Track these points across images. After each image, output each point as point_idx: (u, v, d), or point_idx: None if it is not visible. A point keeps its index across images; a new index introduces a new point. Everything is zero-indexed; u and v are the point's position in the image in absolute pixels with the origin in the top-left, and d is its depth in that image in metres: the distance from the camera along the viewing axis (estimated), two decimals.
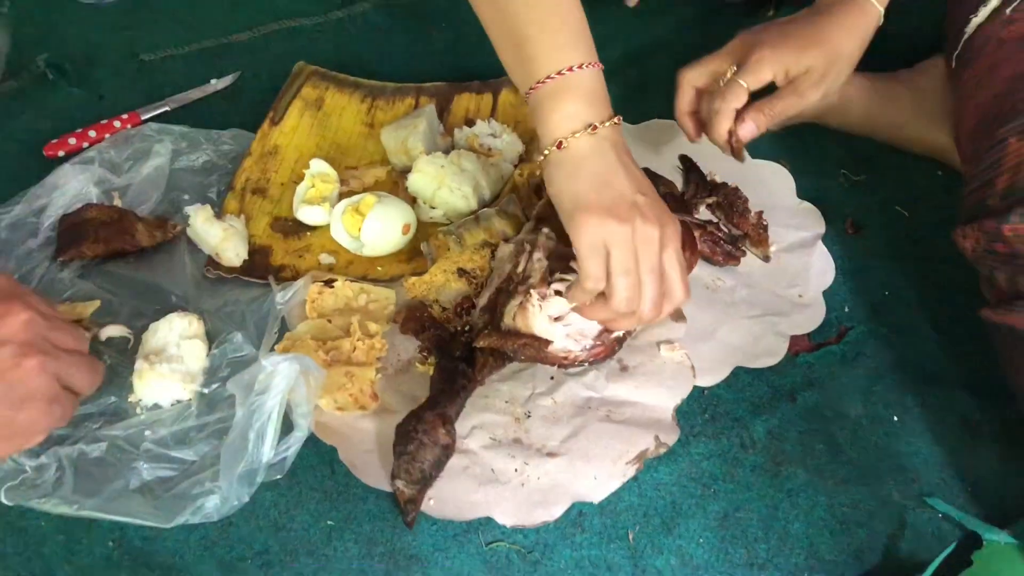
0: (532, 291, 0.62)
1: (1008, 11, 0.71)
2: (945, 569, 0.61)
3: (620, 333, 0.65)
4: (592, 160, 0.57)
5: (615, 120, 0.59)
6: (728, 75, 0.72)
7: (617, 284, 0.58)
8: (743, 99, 0.71)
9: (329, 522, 0.62)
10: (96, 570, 0.59)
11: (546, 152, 0.59)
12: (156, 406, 0.65)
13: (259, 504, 0.61)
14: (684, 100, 0.74)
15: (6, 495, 0.59)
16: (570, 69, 0.57)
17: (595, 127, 0.57)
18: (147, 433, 0.63)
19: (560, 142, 0.58)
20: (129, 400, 0.65)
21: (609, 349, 0.65)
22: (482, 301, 0.66)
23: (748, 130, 0.71)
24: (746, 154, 0.75)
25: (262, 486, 0.60)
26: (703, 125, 0.75)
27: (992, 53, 0.70)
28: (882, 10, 0.72)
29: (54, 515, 0.59)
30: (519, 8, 0.58)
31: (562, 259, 0.64)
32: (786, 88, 0.71)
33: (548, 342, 0.62)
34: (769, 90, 0.72)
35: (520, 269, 0.64)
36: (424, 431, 0.58)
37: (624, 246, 0.57)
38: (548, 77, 0.57)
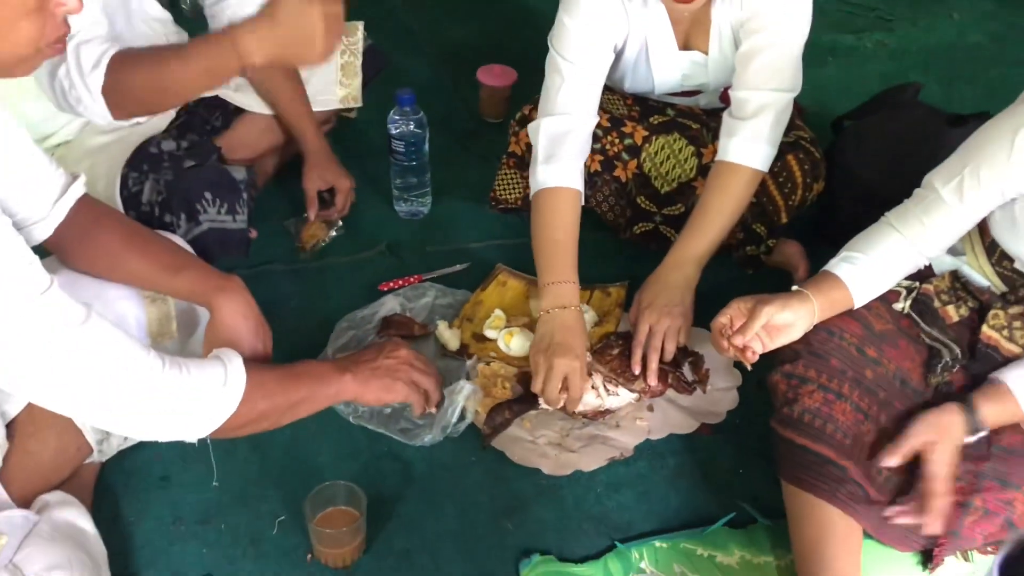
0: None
1: None
2: (737, 526, 1.35)
3: (601, 408, 1.47)
4: (543, 326, 1.47)
5: (571, 307, 1.48)
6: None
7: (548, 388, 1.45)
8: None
9: (472, 458, 1.45)
10: (382, 457, 1.44)
11: (539, 315, 1.49)
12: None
13: (446, 444, 1.44)
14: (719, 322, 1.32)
15: (353, 419, 1.46)
16: (555, 283, 1.47)
17: (548, 312, 1.47)
18: (405, 414, 1.50)
19: (540, 314, 1.48)
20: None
21: (595, 414, 1.48)
22: None
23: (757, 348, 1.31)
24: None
25: (447, 438, 1.44)
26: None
27: None
28: (816, 305, 1.29)
29: (370, 430, 1.46)
30: (545, 250, 1.52)
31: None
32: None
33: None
34: None
35: None
36: (499, 410, 1.44)
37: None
38: (546, 284, 1.48)
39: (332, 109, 2.00)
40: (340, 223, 1.88)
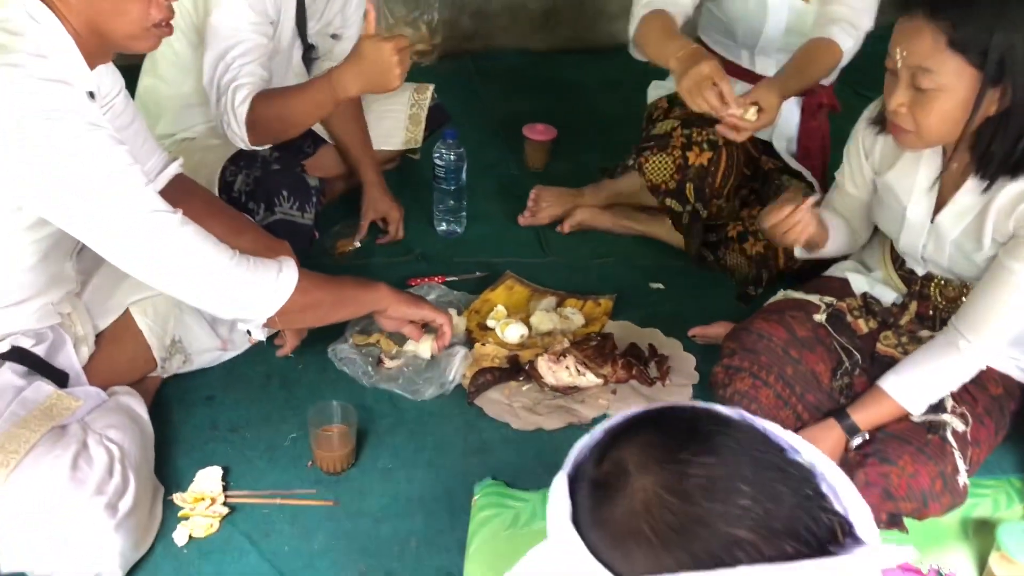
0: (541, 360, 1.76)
1: None
2: None
3: (572, 385, 1.74)
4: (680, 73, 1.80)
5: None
6: None
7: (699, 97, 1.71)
8: None
9: (455, 411, 1.74)
10: (382, 402, 1.75)
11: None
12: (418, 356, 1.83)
13: (442, 399, 1.75)
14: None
15: (367, 382, 1.78)
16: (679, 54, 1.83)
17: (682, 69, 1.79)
18: (406, 369, 1.81)
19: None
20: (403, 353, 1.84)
21: (564, 389, 1.75)
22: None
23: None
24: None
25: (441, 395, 1.74)
26: None
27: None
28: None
29: (380, 389, 1.77)
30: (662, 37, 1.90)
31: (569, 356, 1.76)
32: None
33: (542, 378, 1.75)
34: None
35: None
36: (482, 373, 1.73)
37: None
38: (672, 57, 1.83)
39: (396, 150, 2.41)
40: (359, 240, 2.25)
